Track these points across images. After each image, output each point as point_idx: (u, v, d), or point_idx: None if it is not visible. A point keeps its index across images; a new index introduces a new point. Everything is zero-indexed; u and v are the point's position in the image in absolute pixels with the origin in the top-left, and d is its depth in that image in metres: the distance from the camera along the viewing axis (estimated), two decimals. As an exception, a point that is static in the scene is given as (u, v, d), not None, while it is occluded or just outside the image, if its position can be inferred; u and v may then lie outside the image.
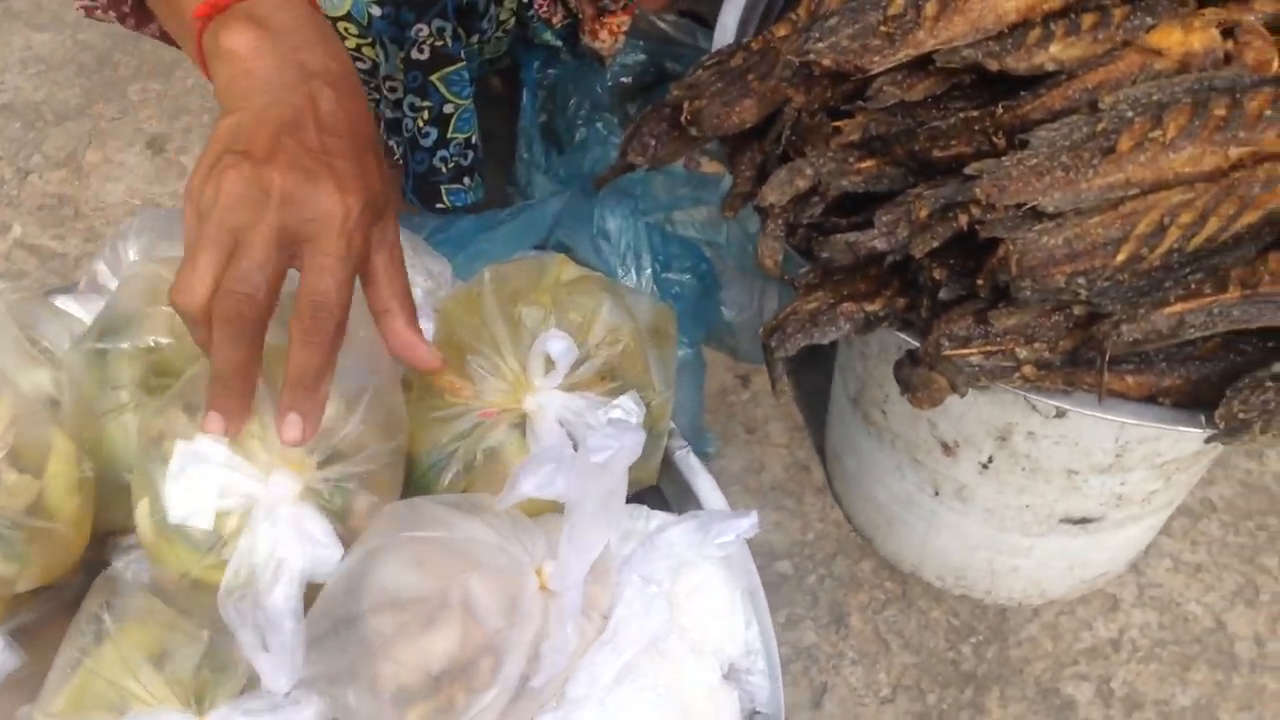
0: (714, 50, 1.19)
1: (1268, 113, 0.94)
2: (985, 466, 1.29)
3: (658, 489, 0.93)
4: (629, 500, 0.92)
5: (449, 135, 1.52)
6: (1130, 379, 0.98)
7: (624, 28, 1.80)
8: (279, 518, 0.67)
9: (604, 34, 1.79)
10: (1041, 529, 1.36)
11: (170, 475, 0.67)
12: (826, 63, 0.98)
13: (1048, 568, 1.45)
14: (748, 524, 0.80)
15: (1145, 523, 1.40)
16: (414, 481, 0.80)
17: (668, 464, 0.93)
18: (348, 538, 0.72)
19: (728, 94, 1.10)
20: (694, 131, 1.08)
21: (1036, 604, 1.53)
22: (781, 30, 1.17)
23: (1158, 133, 0.93)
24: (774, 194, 1.01)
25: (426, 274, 0.90)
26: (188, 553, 0.70)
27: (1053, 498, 1.30)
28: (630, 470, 0.92)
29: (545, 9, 1.66)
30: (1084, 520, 1.34)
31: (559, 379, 0.79)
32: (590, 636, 0.76)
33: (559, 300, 0.81)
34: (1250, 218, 0.94)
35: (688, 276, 1.44)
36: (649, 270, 1.40)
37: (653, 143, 1.11)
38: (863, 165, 1.03)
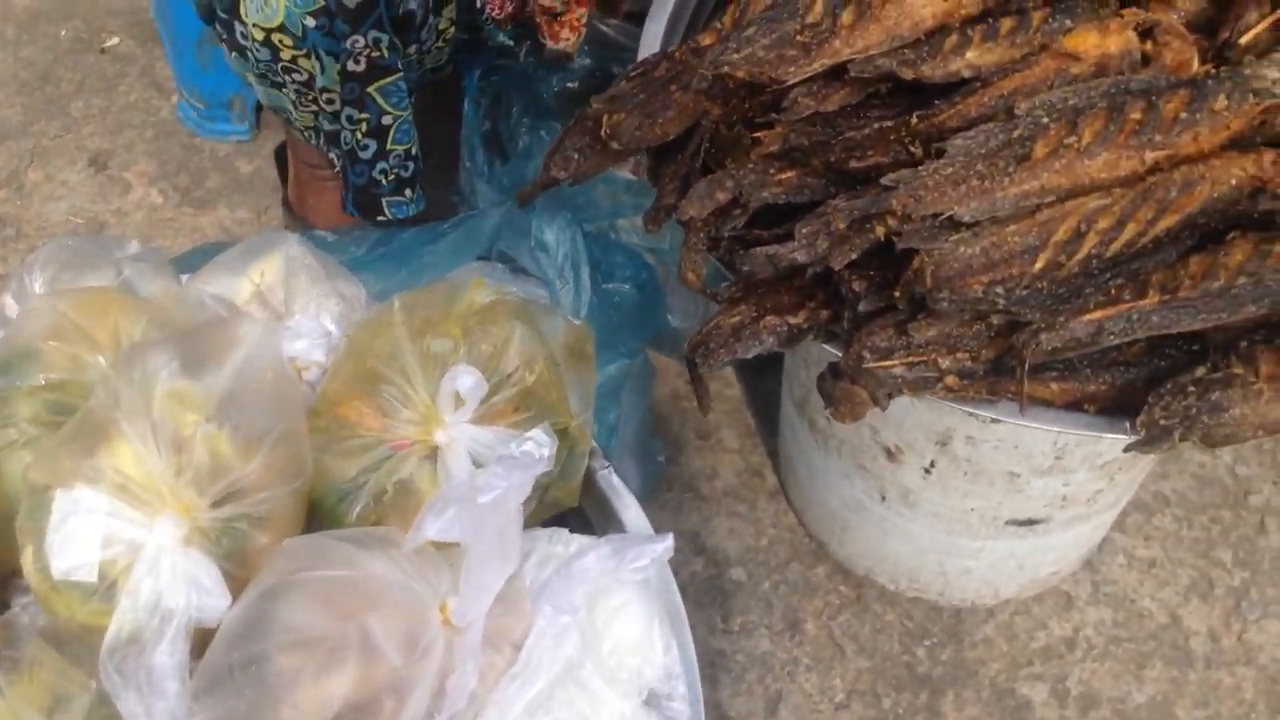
0: (639, 60, 1.18)
1: (1183, 115, 0.94)
2: (928, 471, 1.29)
3: (581, 510, 0.93)
4: (550, 522, 0.92)
5: (388, 147, 1.52)
6: (1055, 386, 0.98)
7: (585, 19, 1.79)
8: (164, 566, 0.67)
9: (565, 32, 1.78)
10: (989, 531, 1.36)
11: (52, 527, 0.67)
12: (740, 74, 0.98)
13: (999, 568, 1.45)
14: (663, 548, 0.79)
15: (1093, 522, 1.41)
16: (323, 514, 0.80)
17: (590, 485, 0.92)
18: (243, 578, 0.71)
19: (650, 105, 1.10)
20: (615, 145, 1.07)
21: (990, 604, 1.53)
22: (707, 38, 1.16)
23: (1073, 139, 0.93)
24: (694, 207, 1.01)
25: (339, 298, 0.89)
26: (76, 600, 0.69)
27: (997, 500, 1.30)
28: (551, 492, 0.92)
29: (498, 7, 1.65)
30: (1030, 521, 1.34)
31: (469, 412, 0.78)
32: (501, 668, 0.75)
33: (470, 330, 0.81)
34: (1169, 221, 0.94)
35: (628, 286, 1.44)
36: (587, 281, 1.39)
37: (575, 156, 1.10)
38: (784, 176, 1.02)
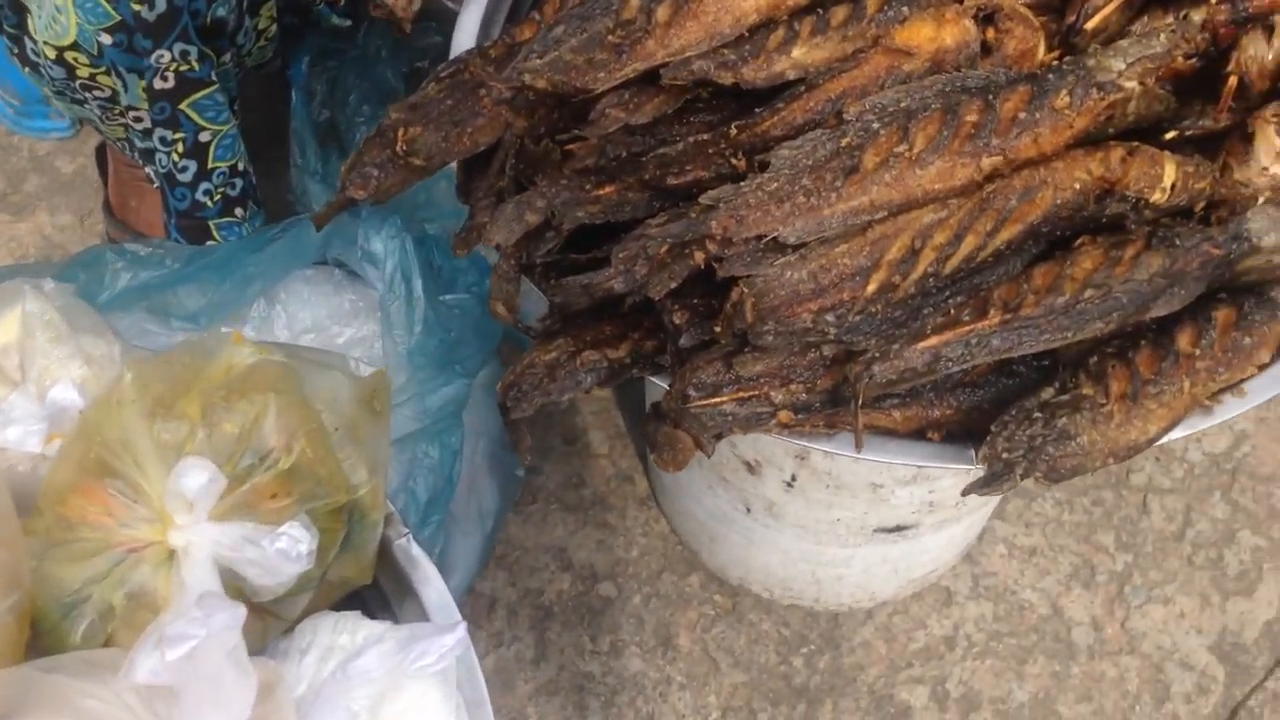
0: (450, 58, 1.08)
1: (1022, 115, 0.87)
2: (790, 484, 1.23)
3: (376, 585, 0.84)
4: (341, 605, 0.84)
5: (210, 165, 1.38)
6: (897, 414, 0.91)
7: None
8: None
9: None
10: (858, 540, 1.31)
11: None
12: (542, 85, 0.89)
13: (873, 573, 1.40)
14: (453, 640, 0.71)
15: (964, 522, 1.36)
16: (45, 634, 0.70)
17: (386, 557, 0.84)
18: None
19: (458, 113, 1.00)
20: (415, 162, 0.98)
21: (868, 606, 1.48)
22: (525, 31, 1.07)
23: (904, 147, 0.86)
24: (501, 232, 0.92)
25: (83, 359, 0.79)
26: None
27: (862, 510, 1.25)
28: (340, 569, 0.83)
29: None
30: (899, 528, 1.29)
31: (206, 510, 0.69)
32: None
33: (212, 408, 0.71)
34: (1010, 232, 0.88)
35: (470, 295, 1.34)
36: (421, 293, 1.29)
37: (376, 173, 1.00)
38: (601, 193, 0.93)
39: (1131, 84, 0.88)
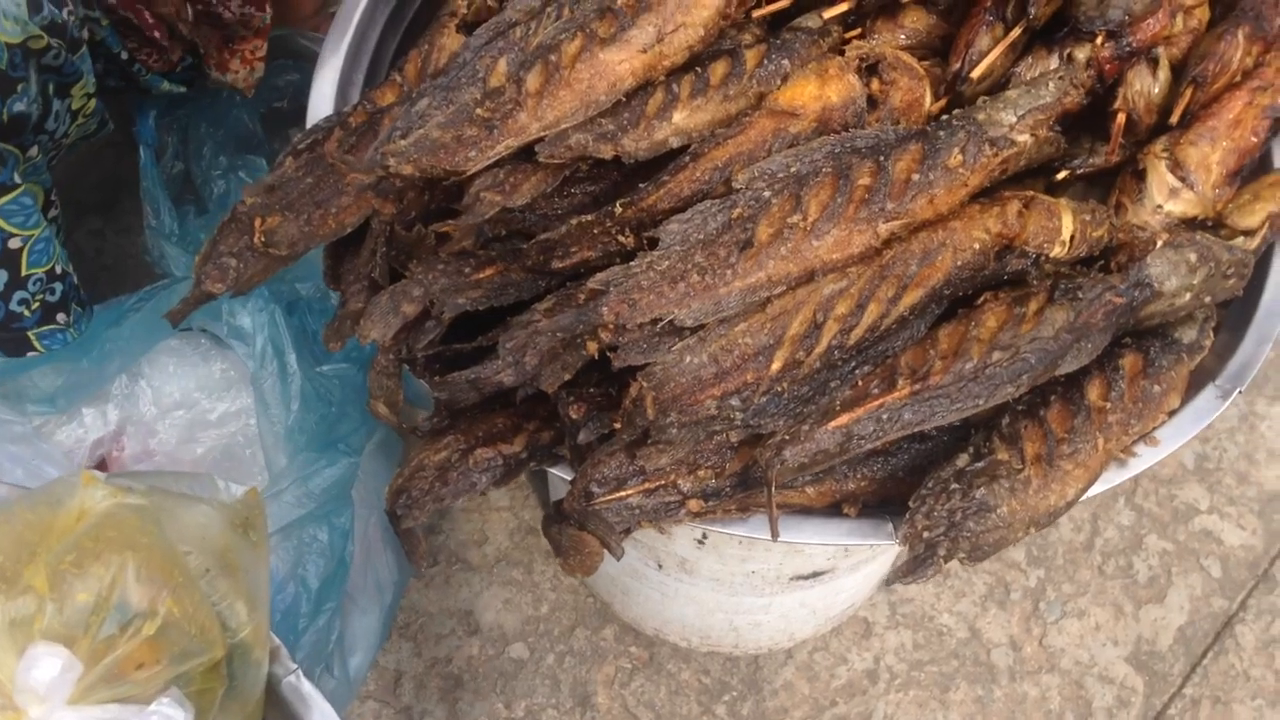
0: (308, 128, 1.01)
1: (915, 177, 0.84)
2: (701, 542, 1.19)
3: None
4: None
5: (24, 273, 1.21)
6: (810, 490, 0.88)
7: (261, 53, 1.57)
8: None
9: (235, 64, 1.56)
10: (774, 588, 1.28)
11: None
12: (409, 171, 0.82)
13: (791, 617, 1.38)
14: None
15: (880, 560, 1.34)
16: None
17: (274, 695, 0.77)
18: None
19: (320, 192, 0.94)
20: (275, 252, 0.91)
21: (788, 647, 1.46)
22: (388, 95, 1.00)
23: (797, 217, 0.82)
24: (376, 328, 0.86)
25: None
26: None
27: (776, 562, 1.22)
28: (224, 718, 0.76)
29: (154, 59, 1.42)
30: (815, 574, 1.26)
31: (64, 697, 0.62)
32: None
33: (62, 575, 0.64)
34: (912, 297, 0.85)
35: (348, 364, 1.27)
36: (296, 367, 1.22)
37: (234, 264, 0.93)
38: (483, 275, 0.88)
39: (1024, 137, 0.85)
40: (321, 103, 1.06)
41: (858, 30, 1.00)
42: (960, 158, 0.84)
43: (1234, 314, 0.99)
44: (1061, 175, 0.98)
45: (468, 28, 1.08)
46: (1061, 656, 1.48)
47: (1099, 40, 0.93)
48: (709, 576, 1.27)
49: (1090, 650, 1.48)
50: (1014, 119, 0.85)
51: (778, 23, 1.00)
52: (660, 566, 1.29)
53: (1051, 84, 0.87)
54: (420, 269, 0.87)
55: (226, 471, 1.32)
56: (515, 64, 0.89)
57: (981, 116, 0.86)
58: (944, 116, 0.88)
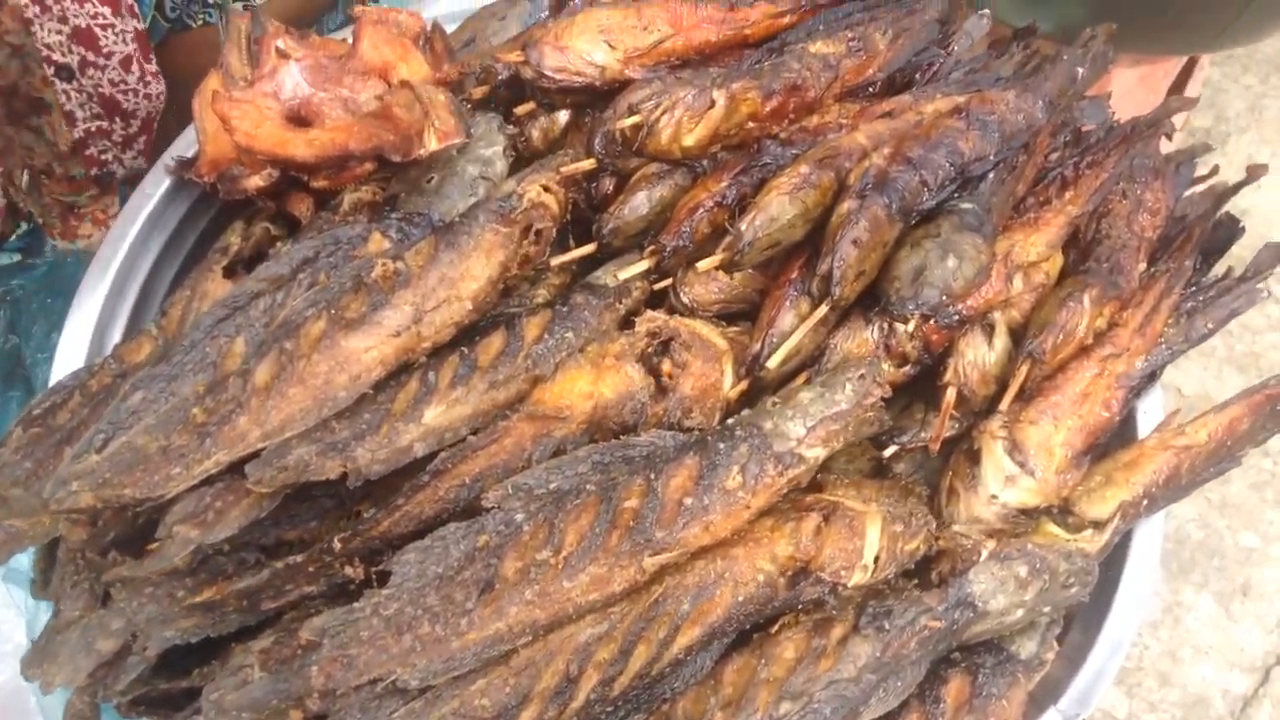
0: (49, 387, 0.91)
1: (688, 501, 0.74)
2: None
3: None
4: None
5: None
6: None
7: (114, 209, 1.49)
8: None
9: (86, 227, 1.49)
10: None
11: None
12: (88, 504, 0.72)
13: None
14: None
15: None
16: None
17: None
18: None
19: (35, 482, 0.83)
20: (-31, 566, 0.80)
21: None
22: (142, 349, 0.91)
23: (548, 552, 0.72)
24: (63, 672, 0.75)
25: None
26: None
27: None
28: None
29: None
30: None
31: None
32: None
33: None
34: (688, 637, 0.75)
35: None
36: None
37: (-73, 571, 0.82)
38: (200, 598, 0.78)
39: (815, 452, 0.76)
40: (71, 352, 0.97)
41: (668, 280, 0.92)
42: (739, 479, 0.75)
43: (1090, 607, 0.89)
44: (889, 452, 0.89)
45: (247, 265, 0.99)
46: None
47: (914, 322, 0.84)
48: None
49: None
50: (802, 431, 0.76)
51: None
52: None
53: (849, 386, 0.77)
54: (123, 594, 0.77)
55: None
56: (254, 345, 0.80)
57: (768, 425, 0.77)
58: (730, 420, 0.78)
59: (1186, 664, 1.64)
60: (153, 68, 1.29)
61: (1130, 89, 1.65)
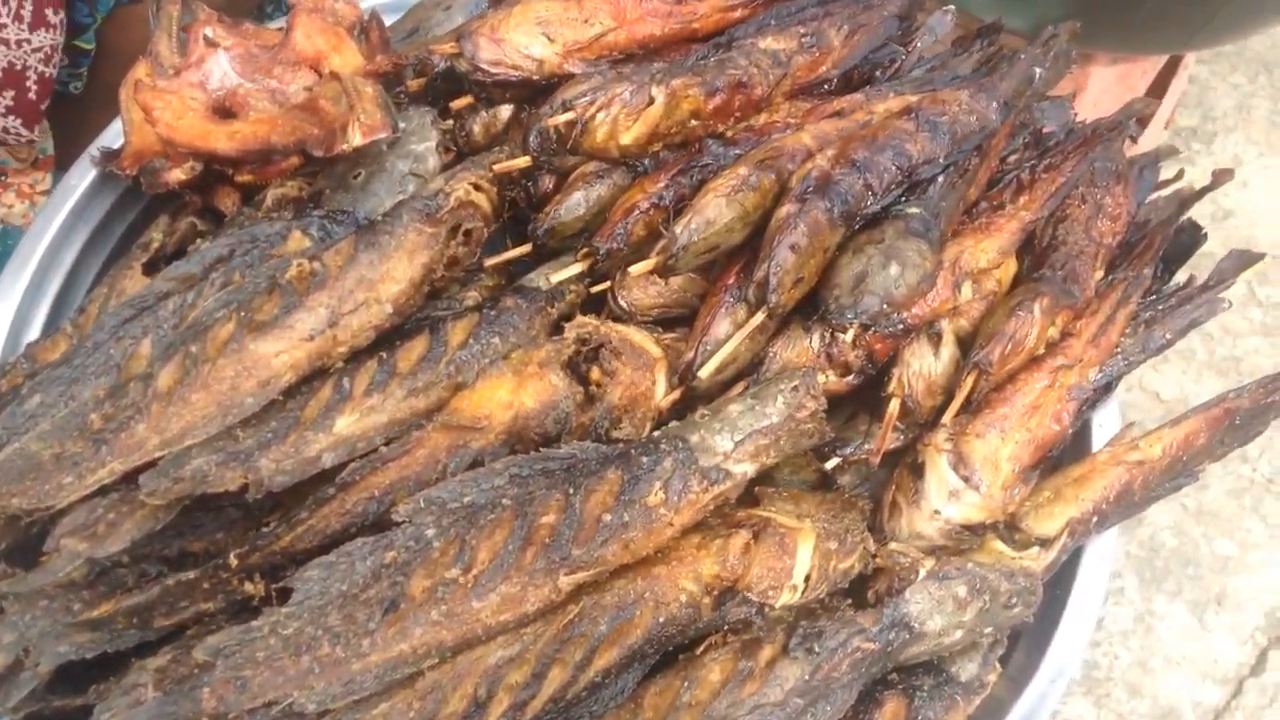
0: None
1: (607, 517, 0.71)
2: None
3: None
4: None
5: None
6: None
7: (43, 187, 1.46)
8: None
9: (10, 197, 1.45)
10: None
11: None
12: (-26, 513, 0.69)
13: None
14: None
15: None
16: None
17: None
18: None
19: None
20: None
21: None
22: (57, 348, 0.88)
23: (456, 571, 0.69)
24: (-50, 690, 0.72)
25: None
26: None
27: None
28: None
29: None
30: None
31: None
32: None
33: None
34: (606, 659, 0.72)
35: None
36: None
37: None
38: (96, 613, 0.74)
39: (743, 467, 0.73)
40: (-15, 346, 0.93)
41: (607, 284, 0.89)
42: (663, 495, 0.71)
43: (1035, 627, 0.86)
44: (831, 465, 0.86)
45: (169, 262, 0.96)
46: None
47: (854, 331, 0.81)
48: None
49: None
50: (730, 445, 0.73)
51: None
52: None
53: (781, 398, 0.74)
54: (15, 606, 0.74)
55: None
56: (160, 348, 0.77)
57: (695, 439, 0.74)
58: (656, 433, 0.75)
59: (1158, 674, 1.61)
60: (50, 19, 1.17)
61: (1109, 87, 1.62)
